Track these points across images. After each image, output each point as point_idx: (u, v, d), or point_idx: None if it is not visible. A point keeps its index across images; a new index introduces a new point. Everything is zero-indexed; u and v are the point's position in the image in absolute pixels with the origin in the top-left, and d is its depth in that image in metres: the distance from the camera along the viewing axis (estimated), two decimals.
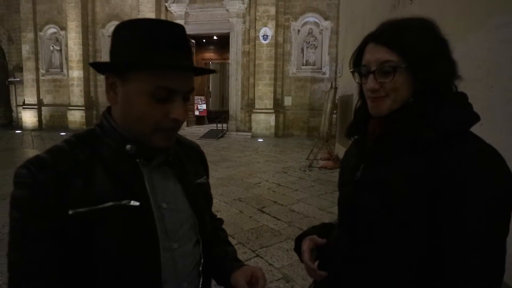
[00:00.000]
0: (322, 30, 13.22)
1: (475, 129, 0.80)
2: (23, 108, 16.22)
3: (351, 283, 0.90)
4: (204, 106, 16.51)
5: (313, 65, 13.41)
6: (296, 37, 13.43)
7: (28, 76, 15.96)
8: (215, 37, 15.88)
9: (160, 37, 0.77)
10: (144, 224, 0.81)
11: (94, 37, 15.57)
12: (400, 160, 0.80)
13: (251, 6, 13.49)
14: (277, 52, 13.42)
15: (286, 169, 7.27)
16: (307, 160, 7.99)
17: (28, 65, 15.88)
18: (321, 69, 13.32)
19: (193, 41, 14.44)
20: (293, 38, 13.44)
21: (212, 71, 1.00)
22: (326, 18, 13.05)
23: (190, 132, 13.73)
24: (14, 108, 17.35)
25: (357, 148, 0.98)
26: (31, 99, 16.09)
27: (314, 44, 13.35)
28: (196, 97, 15.96)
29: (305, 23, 13.35)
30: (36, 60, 15.97)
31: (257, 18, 13.24)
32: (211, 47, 18.19)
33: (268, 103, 13.41)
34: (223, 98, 22.98)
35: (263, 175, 6.64)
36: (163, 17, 14.13)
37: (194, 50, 14.27)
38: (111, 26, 15.31)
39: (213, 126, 14.48)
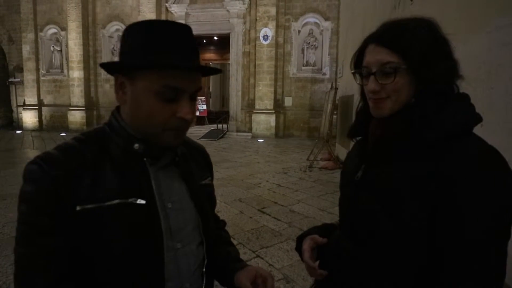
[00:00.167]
0: (322, 30, 13.23)
1: (476, 129, 0.80)
2: (24, 108, 16.23)
3: (352, 284, 0.90)
4: (204, 107, 16.53)
5: (313, 66, 13.42)
6: (296, 37, 13.44)
7: (29, 76, 15.98)
8: (215, 38, 15.91)
9: (168, 38, 0.78)
10: (149, 223, 0.82)
11: (95, 38, 15.58)
12: (400, 162, 0.80)
13: (251, 7, 13.51)
14: (278, 53, 13.43)
15: (287, 169, 7.27)
16: (308, 160, 7.99)
17: (29, 65, 15.90)
18: (321, 69, 13.33)
19: None
20: (294, 39, 13.45)
21: (219, 71, 1.01)
22: (326, 19, 13.06)
23: (190, 132, 13.69)
24: (14, 109, 17.37)
25: (359, 149, 0.98)
26: (31, 99, 16.11)
27: (315, 45, 13.36)
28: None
29: (305, 24, 13.36)
30: (37, 60, 15.99)
31: (258, 18, 13.25)
32: (212, 48, 18.22)
33: (269, 103, 13.42)
34: (224, 98, 22.99)
35: (264, 175, 6.64)
36: (163, 17, 14.14)
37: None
38: (111, 27, 15.33)
39: (213, 126, 14.48)
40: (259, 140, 12.65)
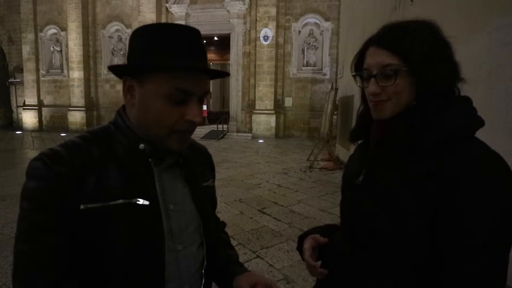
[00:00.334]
0: (322, 31, 13.24)
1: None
2: (24, 109, 16.24)
3: (352, 285, 0.90)
4: (204, 107, 16.46)
5: (313, 66, 13.43)
6: (296, 38, 13.45)
7: (29, 77, 15.99)
8: (215, 38, 15.92)
9: (177, 40, 0.78)
10: (152, 224, 0.82)
11: (95, 38, 15.59)
12: (402, 165, 0.80)
13: (251, 7, 13.51)
14: (278, 53, 13.44)
15: (287, 170, 7.26)
16: (308, 161, 7.99)
17: (29, 65, 15.91)
18: (321, 70, 13.34)
19: None
20: (294, 39, 13.46)
21: (228, 74, 1.01)
22: (326, 19, 13.06)
23: None
24: (14, 109, 17.38)
25: (360, 152, 0.98)
26: (31, 100, 16.11)
27: (315, 45, 13.37)
28: None
29: (305, 24, 13.37)
30: (37, 61, 16.00)
31: (258, 19, 13.26)
32: (212, 48, 18.23)
33: (269, 104, 13.42)
34: (224, 99, 23.00)
35: (264, 176, 6.64)
36: (163, 17, 14.15)
37: None
38: (111, 27, 15.34)
39: (213, 127, 14.48)
40: (259, 141, 12.65)
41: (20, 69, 16.43)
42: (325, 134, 8.03)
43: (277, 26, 13.25)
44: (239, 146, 11.14)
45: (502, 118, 2.04)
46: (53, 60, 16.21)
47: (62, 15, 15.56)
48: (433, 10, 3.20)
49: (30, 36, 15.74)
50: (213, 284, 1.04)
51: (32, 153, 9.33)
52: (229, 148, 10.77)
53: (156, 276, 0.82)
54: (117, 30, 15.34)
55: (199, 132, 13.83)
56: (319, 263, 0.98)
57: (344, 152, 7.64)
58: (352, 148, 1.10)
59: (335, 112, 8.47)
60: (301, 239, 1.08)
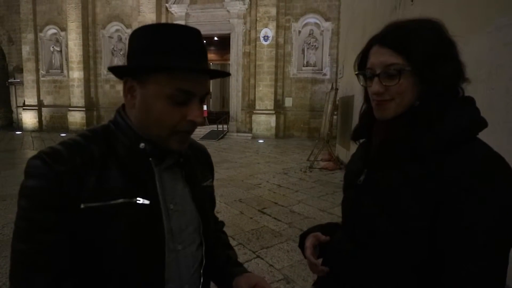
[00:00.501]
0: (322, 31, 13.24)
1: None
2: (23, 109, 16.24)
3: (353, 284, 0.90)
4: (204, 107, 16.40)
5: (313, 66, 13.43)
6: (296, 38, 13.45)
7: (28, 77, 15.99)
8: (215, 38, 15.92)
9: (178, 40, 0.78)
10: (152, 224, 0.81)
11: (95, 38, 15.59)
12: (403, 166, 0.79)
13: (251, 7, 13.51)
14: (278, 53, 13.44)
15: (287, 170, 7.26)
16: (308, 161, 7.99)
17: (28, 66, 15.91)
18: (321, 70, 13.34)
19: None
20: (294, 39, 13.46)
21: (228, 74, 1.02)
22: (327, 19, 13.06)
23: None
24: (14, 109, 17.38)
25: (362, 152, 0.97)
26: (31, 100, 16.11)
27: (315, 45, 13.37)
28: None
29: (305, 24, 13.37)
30: (36, 61, 16.00)
31: (258, 19, 13.26)
32: (212, 48, 18.23)
33: (269, 104, 13.43)
34: (224, 99, 23.01)
35: (264, 176, 6.64)
36: (163, 17, 14.15)
37: None
38: (111, 27, 15.34)
39: (213, 127, 14.48)
40: (259, 141, 12.65)
41: (20, 69, 16.43)
42: (325, 134, 8.02)
43: (277, 26, 13.25)
44: (239, 146, 11.14)
45: (502, 118, 2.04)
46: (53, 60, 16.21)
47: (62, 15, 15.56)
48: (433, 10, 3.20)
49: (30, 36, 15.74)
50: (212, 284, 1.04)
51: (32, 153, 9.28)
52: (229, 148, 10.77)
53: (156, 276, 0.82)
54: (117, 30, 15.35)
55: (199, 132, 13.83)
56: (320, 260, 0.98)
57: (344, 152, 7.63)
58: (352, 148, 1.10)
59: (335, 112, 8.47)
60: (303, 237, 1.09)
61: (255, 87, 13.63)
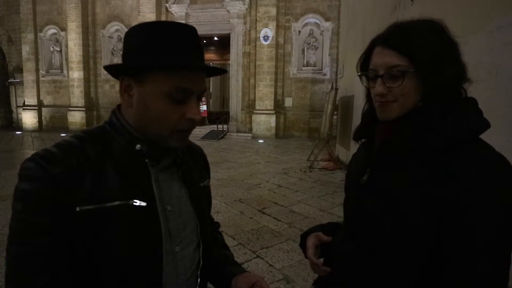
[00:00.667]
0: (323, 31, 13.24)
1: None
2: (23, 109, 16.23)
3: (354, 284, 0.90)
4: (204, 107, 16.49)
5: (313, 66, 13.43)
6: (296, 38, 13.45)
7: (28, 77, 15.98)
8: (215, 38, 15.93)
9: (176, 38, 0.78)
10: (150, 225, 0.81)
11: (94, 38, 15.59)
12: (406, 166, 0.79)
13: (251, 7, 13.51)
14: (278, 53, 13.43)
15: (287, 170, 7.26)
16: (308, 161, 7.99)
17: (28, 66, 15.90)
18: (321, 70, 13.33)
19: None
20: (294, 39, 13.46)
21: (225, 71, 1.02)
22: (327, 19, 13.06)
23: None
24: (14, 109, 17.37)
25: (364, 152, 0.97)
26: (31, 100, 16.10)
27: (315, 45, 13.37)
28: None
29: (305, 24, 13.37)
30: (36, 61, 15.98)
31: (258, 19, 13.26)
32: (212, 48, 18.24)
33: (269, 104, 13.42)
34: (224, 99, 22.99)
35: (264, 176, 6.64)
36: (163, 17, 14.15)
37: None
38: (111, 27, 15.33)
39: (213, 127, 14.48)
40: (259, 141, 12.64)
41: (19, 69, 16.42)
42: (325, 134, 8.02)
43: (277, 26, 13.25)
44: (239, 146, 11.13)
45: (502, 118, 2.04)
46: (53, 60, 16.20)
47: (62, 15, 15.56)
48: (433, 10, 3.20)
49: (30, 36, 15.72)
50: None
51: (32, 153, 9.31)
52: (229, 148, 10.76)
53: (154, 279, 0.81)
54: (117, 30, 15.34)
55: (199, 132, 13.83)
56: (321, 260, 0.98)
57: (344, 152, 7.63)
58: (352, 148, 1.10)
59: (335, 112, 8.47)
60: (304, 236, 1.09)
61: (255, 87, 13.63)
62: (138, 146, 0.82)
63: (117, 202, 0.76)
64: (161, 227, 0.82)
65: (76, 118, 15.37)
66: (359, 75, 0.91)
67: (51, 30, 15.97)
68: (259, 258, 3.08)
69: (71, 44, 15.26)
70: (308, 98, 13.53)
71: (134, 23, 14.34)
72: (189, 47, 0.80)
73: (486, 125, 0.77)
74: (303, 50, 13.55)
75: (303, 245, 1.07)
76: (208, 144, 11.54)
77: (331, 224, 1.15)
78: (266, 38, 13.19)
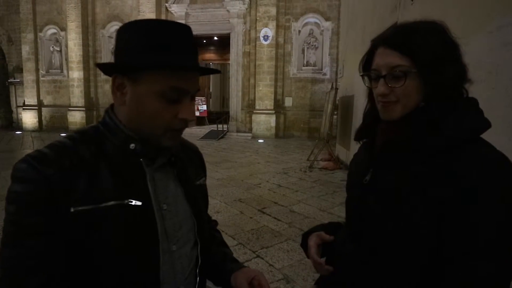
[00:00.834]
0: (322, 30, 13.23)
1: None
2: (23, 109, 16.23)
3: (357, 284, 0.90)
4: (204, 107, 16.52)
5: (313, 66, 13.42)
6: (296, 37, 13.44)
7: (28, 77, 15.96)
8: (215, 38, 15.91)
9: (173, 37, 0.77)
10: (146, 225, 0.80)
11: (94, 38, 15.58)
12: (408, 166, 0.80)
13: (251, 7, 13.50)
14: (278, 53, 13.42)
15: (287, 170, 7.26)
16: (308, 161, 7.99)
17: (28, 66, 15.89)
18: (321, 70, 13.33)
19: None
20: (294, 39, 13.45)
21: (219, 71, 1.02)
22: (327, 19, 13.05)
23: (190, 132, 13.72)
24: (14, 109, 17.36)
25: (366, 151, 0.98)
26: (31, 100, 16.10)
27: (315, 45, 13.36)
28: (196, 98, 15.78)
29: (305, 24, 13.36)
30: (36, 61, 15.97)
31: (258, 18, 13.25)
32: (212, 48, 18.22)
33: (269, 104, 13.42)
34: (224, 99, 23.00)
35: (264, 176, 6.64)
36: (163, 17, 14.12)
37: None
38: (111, 27, 15.32)
39: (213, 127, 14.46)
40: (259, 141, 12.64)
41: (19, 69, 16.41)
42: (325, 134, 8.02)
43: (277, 26, 13.24)
44: (239, 146, 11.13)
45: (502, 118, 2.03)
46: (53, 60, 16.19)
47: (62, 15, 15.54)
48: (433, 10, 3.20)
49: (30, 36, 15.71)
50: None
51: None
52: (229, 148, 10.76)
53: (152, 278, 0.81)
54: (116, 30, 15.30)
55: (199, 132, 13.83)
56: (323, 259, 0.99)
57: (344, 152, 7.63)
58: (352, 148, 1.10)
59: (335, 112, 8.47)
60: (305, 236, 1.09)
61: (255, 87, 13.62)
62: (132, 146, 0.82)
63: (112, 202, 0.76)
64: (157, 226, 0.82)
65: (76, 118, 15.36)
66: (361, 75, 0.92)
67: (51, 30, 15.96)
68: (259, 258, 3.08)
69: (71, 44, 15.25)
70: (308, 98, 13.52)
71: None
72: (187, 46, 0.79)
73: (487, 124, 0.78)
74: (303, 50, 13.54)
75: (304, 245, 1.08)
76: (208, 144, 11.54)
77: (332, 224, 1.15)
78: (266, 38, 13.19)
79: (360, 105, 6.12)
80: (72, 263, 0.74)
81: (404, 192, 0.78)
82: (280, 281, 2.68)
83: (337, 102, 8.35)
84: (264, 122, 13.43)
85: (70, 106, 15.53)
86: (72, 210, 0.72)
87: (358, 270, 0.89)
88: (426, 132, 0.78)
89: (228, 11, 13.68)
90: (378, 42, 0.85)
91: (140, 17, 13.86)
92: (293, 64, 13.58)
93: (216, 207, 4.47)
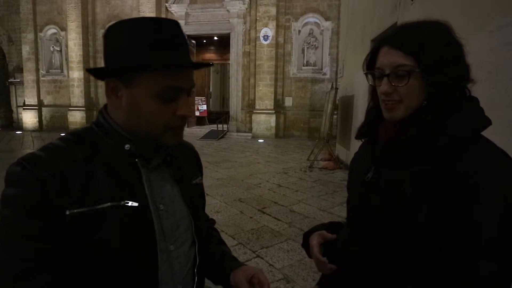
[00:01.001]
0: (322, 30, 13.22)
1: None
2: (24, 109, 16.22)
3: (359, 283, 0.90)
4: (204, 107, 16.51)
5: (313, 66, 13.41)
6: (296, 37, 13.43)
7: (28, 77, 15.96)
8: (215, 38, 15.89)
9: (162, 35, 0.76)
10: (143, 225, 0.80)
11: (94, 38, 15.56)
12: (411, 164, 0.80)
13: (251, 7, 13.49)
14: (278, 53, 13.41)
15: (287, 169, 7.26)
16: (308, 160, 7.98)
17: (28, 66, 15.88)
18: (321, 69, 13.32)
19: (193, 41, 14.43)
20: (294, 39, 13.44)
21: (211, 65, 1.05)
22: (326, 19, 13.04)
23: (191, 132, 13.72)
24: (14, 109, 17.35)
25: (368, 150, 0.98)
26: (31, 100, 16.09)
27: (315, 45, 13.35)
28: (196, 98, 15.96)
29: (305, 24, 13.35)
30: (36, 61, 15.97)
31: (258, 18, 13.24)
32: (212, 48, 18.20)
33: (269, 103, 13.41)
34: (224, 98, 22.98)
35: (264, 175, 6.63)
36: (163, 17, 14.10)
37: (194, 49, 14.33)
38: None
39: (213, 126, 14.45)
40: (259, 140, 12.63)
41: (20, 69, 16.41)
42: (325, 134, 8.02)
43: (277, 26, 13.23)
44: (239, 146, 11.13)
45: (503, 118, 2.03)
46: (53, 60, 16.19)
47: (62, 15, 15.54)
48: (433, 9, 3.20)
49: (30, 36, 15.71)
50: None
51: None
52: (229, 148, 10.76)
53: (150, 278, 0.80)
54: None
55: (199, 132, 13.83)
56: (326, 258, 0.99)
57: (344, 152, 7.63)
58: (352, 148, 1.10)
59: (335, 112, 8.46)
60: (306, 236, 1.09)
61: (255, 87, 13.61)
62: (127, 146, 0.81)
63: (108, 204, 0.75)
64: (154, 227, 0.82)
65: (76, 117, 15.36)
66: (365, 74, 0.93)
67: (51, 30, 15.96)
68: (259, 257, 3.08)
69: (71, 44, 15.25)
70: (308, 97, 13.52)
71: None
72: (178, 43, 0.78)
73: (488, 122, 0.79)
74: (303, 50, 13.53)
75: (305, 245, 1.08)
76: (208, 143, 11.54)
77: (332, 223, 1.15)
78: (266, 37, 13.18)
79: (360, 105, 6.12)
80: (69, 264, 0.73)
81: (407, 191, 0.79)
82: (280, 281, 2.68)
83: (337, 102, 8.34)
84: (264, 122, 13.42)
85: (70, 106, 15.53)
86: (67, 212, 0.71)
87: (361, 270, 0.89)
88: (429, 132, 0.78)
89: (228, 11, 13.67)
90: (383, 41, 0.86)
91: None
92: (293, 64, 13.57)
93: (216, 207, 4.47)
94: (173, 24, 0.79)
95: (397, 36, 0.84)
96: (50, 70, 16.21)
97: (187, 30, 13.99)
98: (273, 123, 13.42)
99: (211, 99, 21.59)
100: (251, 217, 4.18)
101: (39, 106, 16.18)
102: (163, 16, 14.13)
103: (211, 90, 21.61)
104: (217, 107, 22.78)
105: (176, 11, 14.12)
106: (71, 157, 0.76)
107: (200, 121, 16.37)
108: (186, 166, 1.00)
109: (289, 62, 13.60)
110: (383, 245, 0.84)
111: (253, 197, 5.09)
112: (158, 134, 0.81)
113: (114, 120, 0.83)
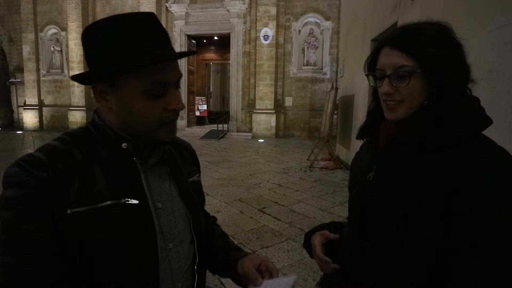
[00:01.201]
0: (323, 30, 13.22)
1: None
2: (24, 108, 16.24)
3: (362, 283, 0.90)
4: (204, 107, 16.52)
5: (314, 66, 13.41)
6: (297, 37, 13.43)
7: (29, 77, 15.98)
8: (215, 38, 15.90)
9: (140, 32, 0.75)
10: (143, 223, 0.80)
11: None
12: (413, 163, 0.81)
13: (251, 7, 13.49)
14: (278, 53, 13.41)
15: (287, 169, 7.26)
16: (308, 160, 7.98)
17: (29, 65, 15.90)
18: (322, 69, 13.32)
19: (193, 41, 14.44)
20: (294, 39, 13.44)
21: (195, 52, 1.04)
22: (327, 19, 13.04)
23: (191, 132, 13.72)
24: (15, 109, 17.36)
25: (369, 149, 0.99)
26: (32, 99, 16.11)
27: (315, 45, 13.35)
28: (196, 98, 15.97)
29: (306, 24, 13.34)
30: (37, 60, 15.98)
31: (258, 18, 13.24)
32: (212, 48, 18.20)
33: (269, 103, 13.41)
34: (224, 98, 22.99)
35: (264, 175, 6.63)
36: (163, 17, 14.12)
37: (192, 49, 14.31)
38: None
39: (213, 126, 14.47)
40: (259, 140, 12.64)
41: (20, 69, 16.42)
42: (325, 134, 8.01)
43: (277, 26, 13.23)
44: (239, 146, 11.13)
45: (503, 117, 2.03)
46: (54, 60, 16.20)
47: (62, 15, 15.55)
48: (433, 9, 3.20)
49: (30, 36, 15.72)
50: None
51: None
52: (229, 147, 10.76)
53: (150, 277, 0.81)
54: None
55: (199, 131, 13.83)
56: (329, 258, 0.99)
57: (344, 152, 7.63)
58: (353, 148, 1.10)
59: (336, 112, 8.46)
60: (308, 236, 1.09)
61: (255, 87, 13.62)
62: (124, 145, 0.81)
63: (108, 202, 0.75)
64: (154, 225, 0.82)
65: (77, 117, 15.37)
66: (366, 75, 0.93)
67: (52, 30, 15.97)
68: None
69: (71, 44, 15.25)
70: (308, 97, 13.52)
71: None
72: (158, 37, 0.77)
73: (489, 121, 0.80)
74: (303, 50, 13.53)
75: (307, 245, 1.08)
76: (208, 143, 11.54)
77: (333, 223, 1.15)
78: (266, 37, 13.18)
79: (360, 104, 6.12)
80: (70, 266, 0.73)
81: (408, 191, 0.79)
82: None
83: (337, 101, 8.34)
84: (264, 121, 13.42)
85: (70, 106, 15.54)
86: (69, 212, 0.71)
87: (364, 269, 0.90)
88: (430, 131, 0.79)
89: (228, 10, 13.67)
90: (384, 42, 0.87)
91: None
92: (293, 63, 13.57)
93: (216, 207, 4.47)
94: (149, 17, 0.78)
95: (398, 37, 0.84)
96: (51, 70, 16.22)
97: (187, 30, 14.00)
98: (273, 123, 13.42)
99: (211, 99, 21.61)
100: (251, 217, 4.18)
101: (40, 106, 16.20)
102: (163, 15, 14.15)
103: (211, 90, 21.65)
104: (217, 107, 22.80)
105: (176, 11, 14.12)
106: (69, 158, 0.76)
107: (200, 121, 16.37)
108: (183, 164, 1.00)
109: (289, 62, 13.60)
110: (387, 243, 0.84)
111: (253, 197, 5.09)
112: (152, 131, 0.80)
113: (109, 120, 0.83)
